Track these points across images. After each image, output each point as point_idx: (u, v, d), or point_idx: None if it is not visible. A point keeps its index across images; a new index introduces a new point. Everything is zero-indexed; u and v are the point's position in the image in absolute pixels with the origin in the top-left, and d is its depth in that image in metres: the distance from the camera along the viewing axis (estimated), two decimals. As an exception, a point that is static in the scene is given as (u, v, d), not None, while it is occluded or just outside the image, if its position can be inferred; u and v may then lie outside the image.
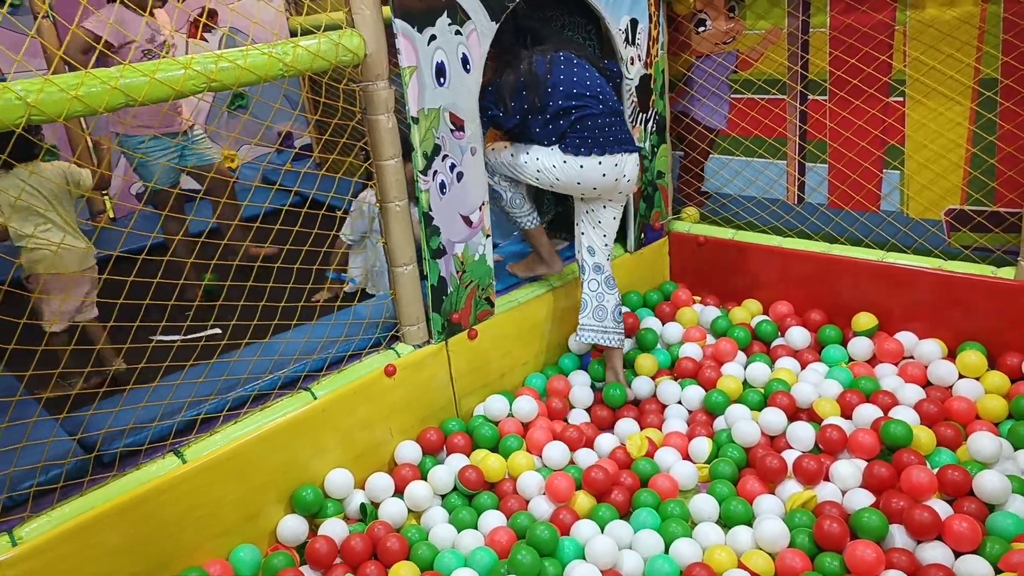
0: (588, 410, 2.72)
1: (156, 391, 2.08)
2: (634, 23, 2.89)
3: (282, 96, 4.43)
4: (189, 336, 2.50)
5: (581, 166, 2.49)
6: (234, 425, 2.13)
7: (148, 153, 3.11)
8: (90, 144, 2.80)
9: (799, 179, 3.06)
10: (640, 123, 3.05)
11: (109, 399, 2.05)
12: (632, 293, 3.23)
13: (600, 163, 2.48)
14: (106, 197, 4.12)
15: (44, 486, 1.86)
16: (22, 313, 1.84)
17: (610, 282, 2.74)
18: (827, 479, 2.23)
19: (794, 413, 2.53)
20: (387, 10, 2.19)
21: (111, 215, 4.19)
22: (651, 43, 3.01)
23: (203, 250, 2.40)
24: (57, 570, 1.79)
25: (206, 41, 4.33)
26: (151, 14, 3.11)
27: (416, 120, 2.28)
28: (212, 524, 2.06)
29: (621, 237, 3.21)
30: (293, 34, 4.63)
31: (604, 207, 2.68)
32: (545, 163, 2.52)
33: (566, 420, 2.69)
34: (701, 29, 3.13)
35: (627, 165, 2.55)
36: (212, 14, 4.38)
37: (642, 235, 3.23)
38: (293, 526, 2.18)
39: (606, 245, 2.74)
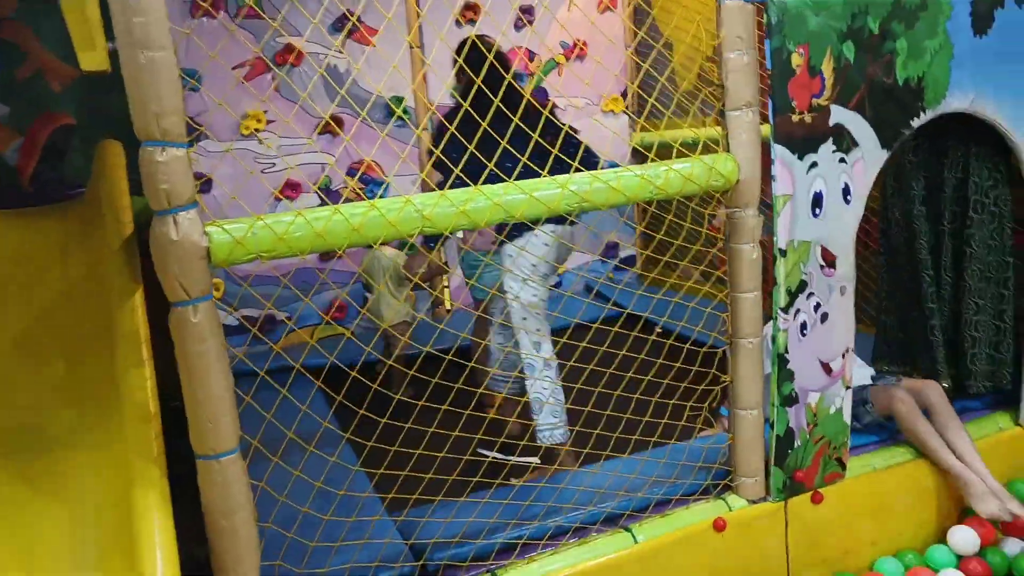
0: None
1: (483, 508, 2.03)
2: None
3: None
4: (518, 459, 2.49)
5: None
6: (552, 556, 2.00)
7: (479, 269, 3.17)
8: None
9: None
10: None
11: (442, 508, 2.04)
12: (1020, 482, 2.58)
13: None
14: (447, 290, 4.45)
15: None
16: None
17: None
18: None
19: None
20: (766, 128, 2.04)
21: (448, 307, 4.51)
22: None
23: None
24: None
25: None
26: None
27: (784, 252, 2.06)
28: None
29: (1012, 404, 2.63)
30: (635, 151, 4.73)
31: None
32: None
33: (927, 628, 2.16)
34: None
35: None
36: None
37: (1042, 408, 2.61)
38: None
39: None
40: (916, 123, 2.17)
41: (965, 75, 2.19)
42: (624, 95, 4.80)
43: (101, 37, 2.25)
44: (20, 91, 2.89)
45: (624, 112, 4.82)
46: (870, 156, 2.13)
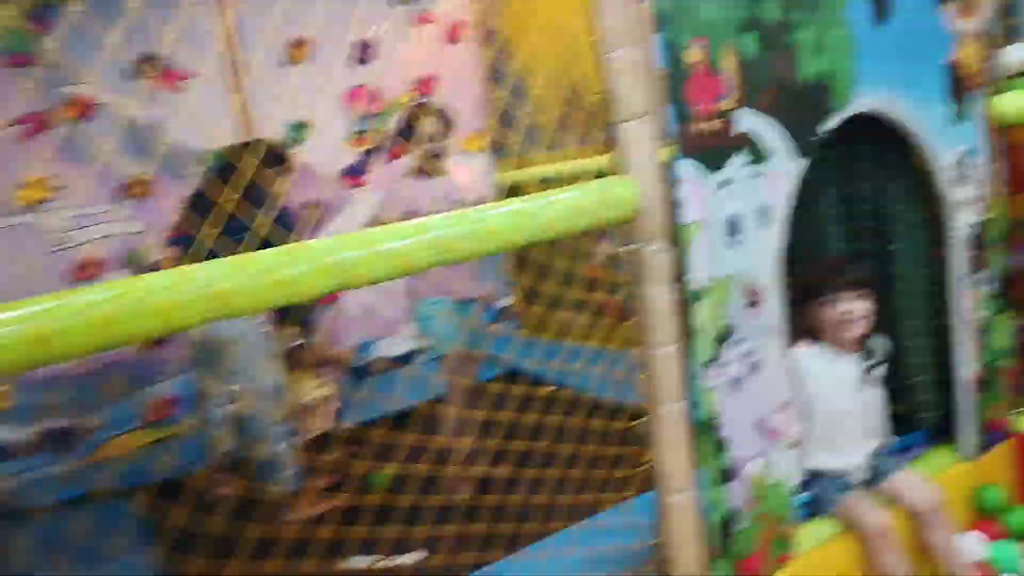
0: None
1: None
2: (969, 155, 2.16)
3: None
4: (386, 561, 1.99)
5: None
6: None
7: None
8: None
9: None
10: (971, 287, 2.24)
11: None
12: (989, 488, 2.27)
13: None
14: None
15: None
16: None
17: None
18: None
19: None
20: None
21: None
22: (990, 181, 2.24)
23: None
24: None
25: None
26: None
27: (700, 294, 1.66)
28: None
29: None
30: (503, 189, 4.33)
31: None
32: None
33: None
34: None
35: None
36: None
37: (984, 436, 2.32)
38: None
39: None
40: (825, 126, 1.85)
41: (870, 70, 1.90)
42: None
43: None
44: None
45: (486, 149, 4.45)
46: (787, 167, 1.78)
